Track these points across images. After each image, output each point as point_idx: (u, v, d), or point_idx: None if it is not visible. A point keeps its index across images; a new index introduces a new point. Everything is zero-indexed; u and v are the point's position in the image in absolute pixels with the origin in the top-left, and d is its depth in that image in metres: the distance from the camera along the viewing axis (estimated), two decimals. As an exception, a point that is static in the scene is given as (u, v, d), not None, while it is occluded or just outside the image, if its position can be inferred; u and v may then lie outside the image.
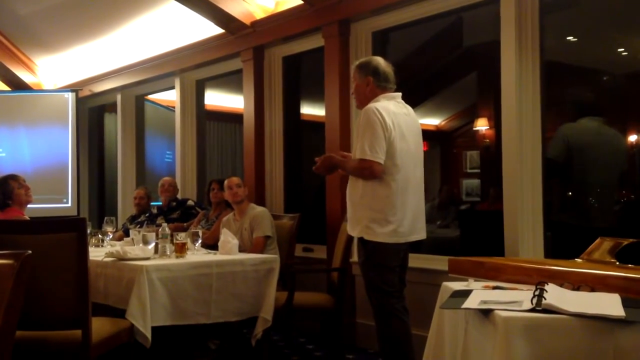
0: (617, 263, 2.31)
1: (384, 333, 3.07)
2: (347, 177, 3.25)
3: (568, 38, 4.05)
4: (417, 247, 3.36)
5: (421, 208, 3.19)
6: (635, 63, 3.91)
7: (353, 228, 3.14)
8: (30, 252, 1.68)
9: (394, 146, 3.02)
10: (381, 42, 4.60)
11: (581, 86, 4.05)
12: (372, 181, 3.02)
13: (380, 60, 3.23)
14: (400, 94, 3.21)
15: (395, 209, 3.03)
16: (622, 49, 3.98)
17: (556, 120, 3.76)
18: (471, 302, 1.85)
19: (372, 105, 3.07)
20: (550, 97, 3.60)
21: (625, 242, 2.36)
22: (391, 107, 3.09)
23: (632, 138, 3.91)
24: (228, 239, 3.70)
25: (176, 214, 5.36)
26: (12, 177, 4.13)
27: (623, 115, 3.95)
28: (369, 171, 2.99)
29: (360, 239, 3.08)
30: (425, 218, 3.22)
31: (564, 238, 3.52)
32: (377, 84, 3.16)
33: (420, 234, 3.17)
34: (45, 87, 7.74)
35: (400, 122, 3.08)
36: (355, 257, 4.02)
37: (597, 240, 2.44)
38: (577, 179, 3.63)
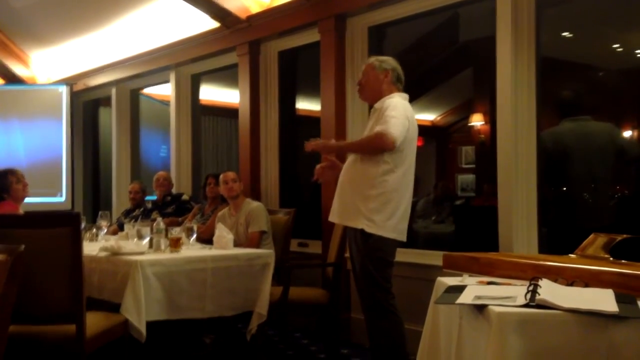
0: (611, 259, 2.31)
1: (379, 329, 3.07)
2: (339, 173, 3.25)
3: (564, 34, 4.05)
4: (412, 242, 3.36)
5: (410, 210, 3.20)
6: (630, 59, 3.92)
7: (353, 219, 3.07)
8: (23, 247, 1.68)
9: (408, 144, 3.06)
10: (377, 37, 4.59)
11: (576, 82, 4.06)
12: (384, 173, 2.99)
13: (396, 62, 3.29)
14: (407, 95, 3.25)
15: (398, 203, 3.05)
16: (617, 45, 3.98)
17: (551, 117, 3.76)
18: (465, 298, 1.86)
19: (393, 100, 3.09)
20: (544, 93, 3.61)
21: (619, 238, 2.36)
22: (408, 106, 3.14)
23: (627, 133, 3.92)
24: (223, 233, 3.70)
25: (171, 209, 5.35)
26: (11, 172, 4.12)
27: (618, 110, 3.96)
28: (380, 140, 2.91)
29: (361, 232, 3.04)
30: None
31: (557, 237, 3.55)
32: (393, 81, 3.20)
33: (405, 236, 3.16)
34: (39, 81, 7.69)
35: (414, 122, 3.13)
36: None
37: (591, 236, 2.45)
38: (564, 181, 3.66)
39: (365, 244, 3.04)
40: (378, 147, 2.96)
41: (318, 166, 3.40)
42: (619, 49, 4.00)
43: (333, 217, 3.24)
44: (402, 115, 2.98)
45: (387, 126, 2.93)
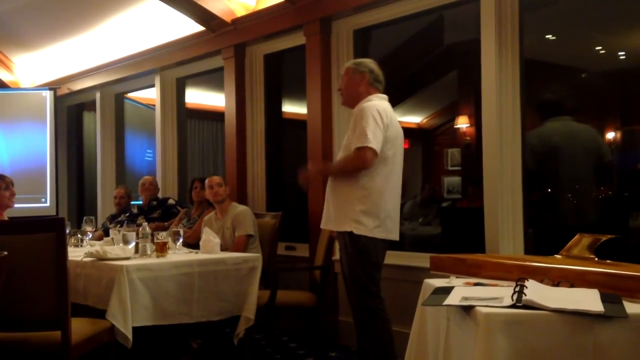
0: (596, 259, 2.33)
1: (368, 333, 3.06)
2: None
3: (547, 36, 4.08)
4: (399, 244, 3.37)
5: (399, 209, 3.21)
6: (612, 61, 3.96)
7: (340, 223, 3.09)
8: (6, 253, 1.66)
9: (389, 144, 3.05)
10: (363, 40, 4.60)
11: (559, 84, 4.10)
12: (364, 175, 3.01)
13: (374, 63, 3.29)
14: (387, 96, 3.24)
15: (384, 203, 3.05)
16: (600, 47, 4.03)
17: (536, 119, 3.79)
18: (453, 299, 1.86)
19: (369, 103, 3.09)
20: (529, 95, 3.63)
21: (604, 238, 2.38)
22: (386, 106, 3.13)
23: (610, 135, 3.96)
24: (210, 237, 3.68)
25: (157, 213, 5.32)
26: (1, 177, 3.98)
27: (600, 112, 4.01)
28: (362, 159, 2.95)
29: (350, 235, 3.04)
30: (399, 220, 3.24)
31: (544, 237, 3.57)
32: (371, 82, 3.19)
33: (396, 235, 3.18)
34: (22, 85, 7.62)
35: (394, 122, 3.12)
36: (337, 255, 4.02)
37: (576, 237, 2.46)
38: (550, 180, 3.69)
39: (355, 247, 3.05)
40: (360, 165, 2.99)
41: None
42: (601, 51, 4.05)
43: (323, 225, 3.26)
44: (373, 121, 2.98)
45: (361, 141, 2.95)
